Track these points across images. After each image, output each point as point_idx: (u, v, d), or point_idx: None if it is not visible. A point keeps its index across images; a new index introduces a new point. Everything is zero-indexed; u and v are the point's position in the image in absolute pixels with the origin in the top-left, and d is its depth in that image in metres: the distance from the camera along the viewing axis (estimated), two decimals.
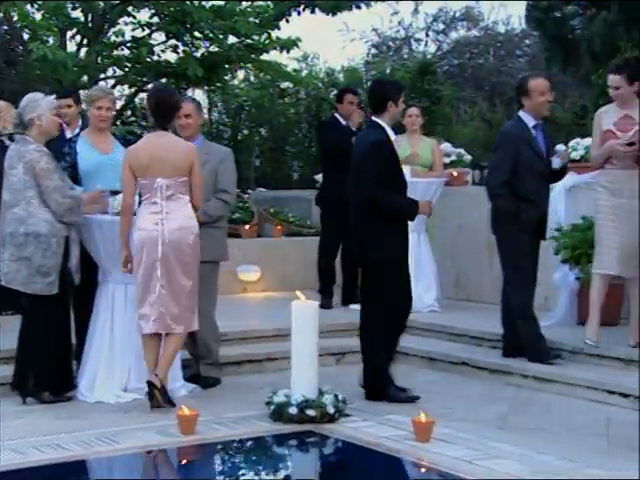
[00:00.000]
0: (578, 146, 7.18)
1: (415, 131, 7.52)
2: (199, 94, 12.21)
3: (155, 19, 10.07)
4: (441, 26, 22.02)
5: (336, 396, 4.86)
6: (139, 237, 5.02)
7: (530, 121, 5.90)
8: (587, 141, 7.23)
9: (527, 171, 5.82)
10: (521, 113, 5.96)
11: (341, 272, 7.61)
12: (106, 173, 5.43)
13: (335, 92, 8.48)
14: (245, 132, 12.87)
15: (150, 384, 4.91)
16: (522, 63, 21.28)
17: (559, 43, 13.38)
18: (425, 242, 7.34)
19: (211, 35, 10.00)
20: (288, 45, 11.19)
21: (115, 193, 5.30)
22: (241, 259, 8.19)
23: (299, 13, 10.97)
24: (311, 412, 4.73)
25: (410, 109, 7.55)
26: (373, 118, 5.29)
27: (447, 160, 8.14)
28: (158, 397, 4.89)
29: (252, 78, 12.93)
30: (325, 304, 7.35)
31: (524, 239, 5.83)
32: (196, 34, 10.17)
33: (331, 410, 4.77)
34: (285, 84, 12.92)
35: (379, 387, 5.32)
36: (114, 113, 5.76)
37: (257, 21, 10.51)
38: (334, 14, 11.16)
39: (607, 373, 5.49)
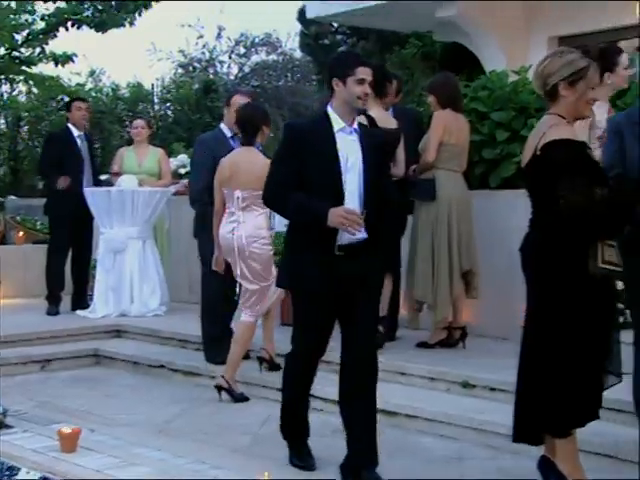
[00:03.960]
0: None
1: (141, 142, 7.12)
2: None
3: None
4: (243, 50, 21.66)
5: None
6: (221, 242, 5.07)
7: (228, 132, 5.64)
8: None
9: None
10: (222, 125, 5.73)
11: (71, 279, 7.06)
12: None
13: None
14: (28, 142, 11.99)
15: (218, 387, 4.95)
16: (315, 86, 21.33)
17: None
18: (151, 248, 6.91)
19: None
20: (63, 59, 10.58)
21: None
22: None
23: (67, 29, 10.31)
24: None
25: (136, 121, 7.30)
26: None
27: (183, 171, 7.77)
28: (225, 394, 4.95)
29: (35, 90, 12.05)
30: (51, 310, 6.80)
31: None
32: None
33: None
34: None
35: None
36: None
37: (22, 35, 9.79)
38: (104, 31, 10.55)
39: (279, 373, 5.15)
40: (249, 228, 4.95)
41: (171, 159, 7.74)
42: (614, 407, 3.83)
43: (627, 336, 3.89)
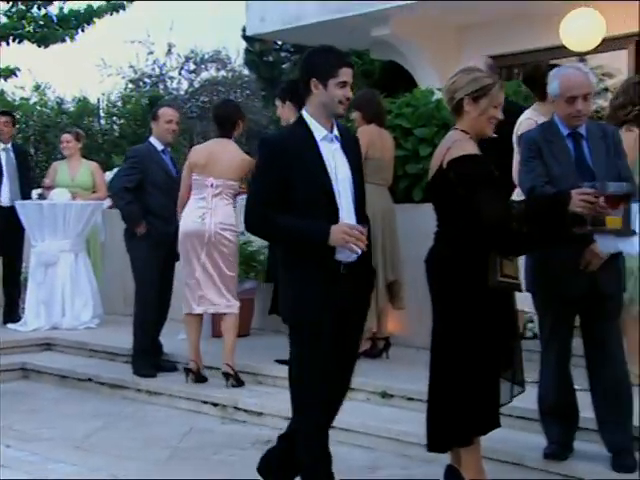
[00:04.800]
0: None
1: (72, 155, 7.00)
2: None
3: None
4: (192, 66, 21.54)
5: None
6: (184, 228, 5.02)
7: (159, 145, 5.56)
8: None
9: (156, 188, 5.44)
10: (151, 138, 5.62)
11: (2, 292, 6.87)
12: None
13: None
14: None
15: (226, 374, 4.96)
16: (261, 102, 21.34)
17: (272, 84, 13.39)
18: (83, 260, 6.75)
19: None
20: (5, 74, 10.38)
21: None
22: None
23: (8, 44, 10.09)
24: None
25: (63, 135, 7.19)
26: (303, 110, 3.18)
27: None
28: (234, 381, 4.95)
29: None
30: None
31: (152, 254, 5.42)
32: None
33: None
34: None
35: None
36: None
37: None
38: (46, 46, 10.33)
39: (204, 385, 5.07)
40: (220, 215, 5.00)
41: (107, 172, 7.60)
42: (519, 415, 3.83)
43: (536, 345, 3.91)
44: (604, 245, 3.50)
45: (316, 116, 3.09)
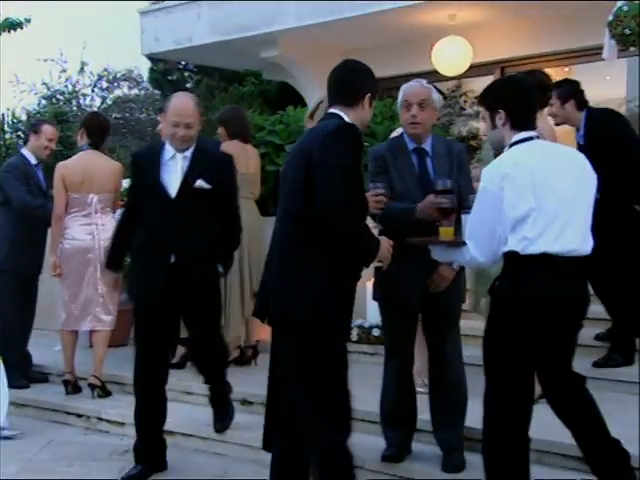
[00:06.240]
0: None
1: None
2: None
3: None
4: (105, 84, 21.03)
5: None
6: (72, 246, 4.77)
7: (32, 159, 5.31)
8: None
9: None
10: (24, 151, 5.37)
11: None
12: None
13: None
14: None
15: (92, 385, 4.78)
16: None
17: None
18: None
19: None
20: None
21: None
22: None
23: None
24: None
25: None
26: (334, 110, 2.87)
27: None
28: (100, 392, 4.79)
29: None
30: None
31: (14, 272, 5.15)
32: None
33: None
34: None
35: None
36: None
37: None
38: None
39: (71, 396, 4.83)
40: (108, 230, 4.76)
41: None
42: (361, 418, 3.77)
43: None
44: (438, 255, 3.49)
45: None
